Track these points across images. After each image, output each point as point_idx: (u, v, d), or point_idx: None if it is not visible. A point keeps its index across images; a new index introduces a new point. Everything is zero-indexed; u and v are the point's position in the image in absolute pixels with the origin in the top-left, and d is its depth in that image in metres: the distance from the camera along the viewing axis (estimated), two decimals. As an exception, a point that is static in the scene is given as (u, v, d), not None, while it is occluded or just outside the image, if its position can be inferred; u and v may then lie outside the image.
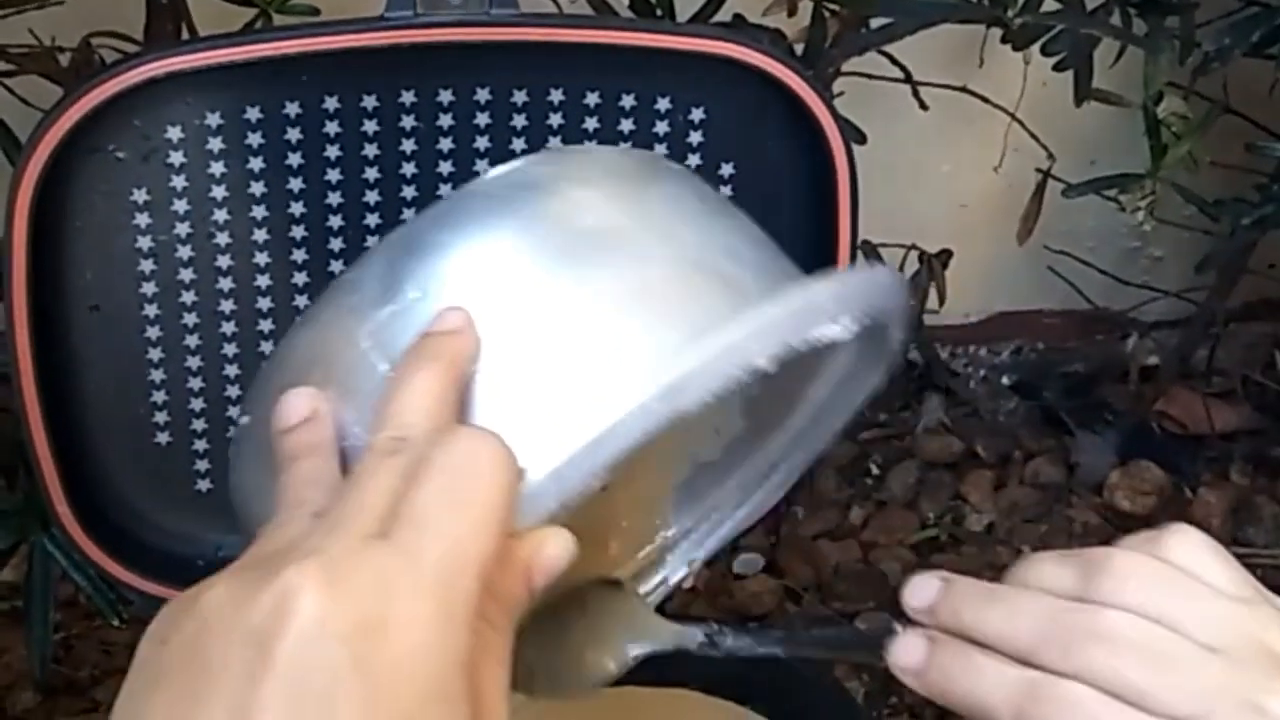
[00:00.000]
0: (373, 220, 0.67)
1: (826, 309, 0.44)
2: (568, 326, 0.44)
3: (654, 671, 0.74)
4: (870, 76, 1.05)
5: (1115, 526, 1.26)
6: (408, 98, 0.64)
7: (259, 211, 0.65)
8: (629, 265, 0.46)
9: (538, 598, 0.42)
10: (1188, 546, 0.46)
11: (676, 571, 0.59)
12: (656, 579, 0.59)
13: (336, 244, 0.67)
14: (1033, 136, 1.15)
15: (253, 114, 0.63)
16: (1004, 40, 0.91)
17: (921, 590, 0.49)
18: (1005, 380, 1.40)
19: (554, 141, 0.66)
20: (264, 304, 0.67)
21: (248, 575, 0.38)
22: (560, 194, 0.47)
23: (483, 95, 0.65)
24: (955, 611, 0.48)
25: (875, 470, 1.32)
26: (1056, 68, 0.96)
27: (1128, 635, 0.44)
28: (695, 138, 0.67)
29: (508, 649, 0.40)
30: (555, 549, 0.42)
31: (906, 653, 0.49)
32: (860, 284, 0.46)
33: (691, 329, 0.44)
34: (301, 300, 0.67)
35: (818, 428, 0.57)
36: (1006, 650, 0.46)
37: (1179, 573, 0.46)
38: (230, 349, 0.68)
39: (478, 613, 0.38)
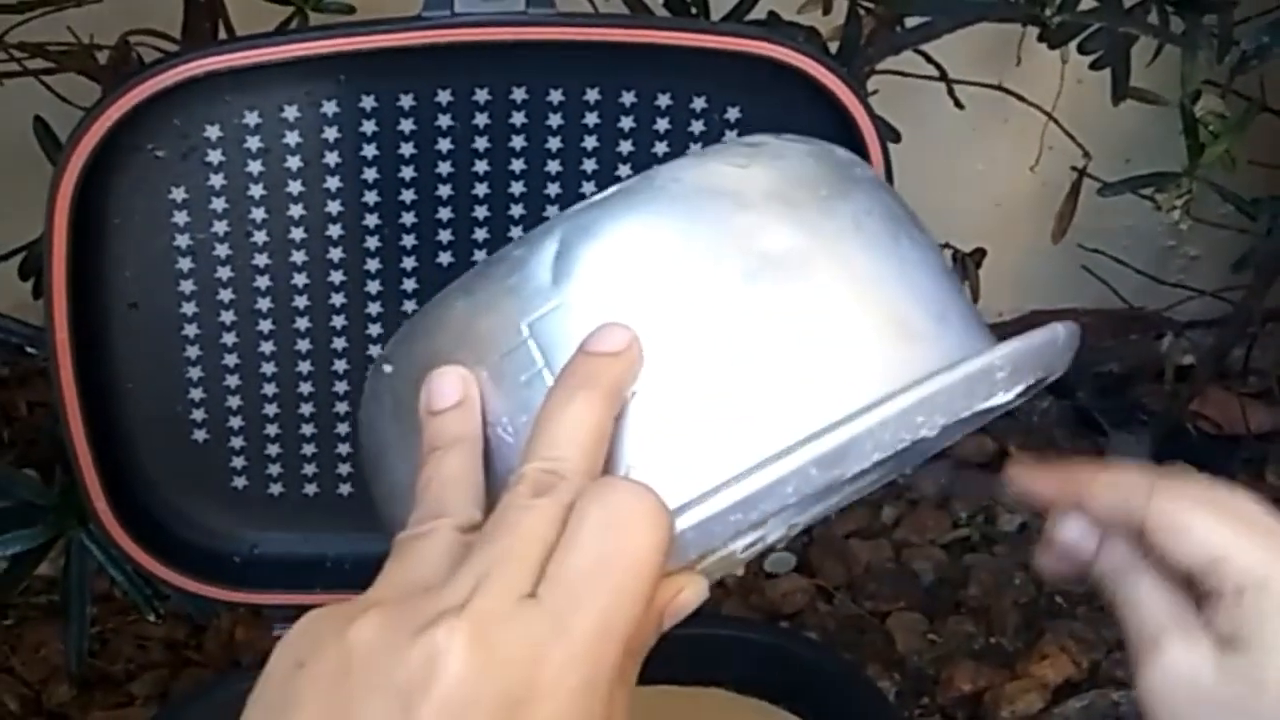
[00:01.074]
0: (408, 219, 0.67)
1: (1001, 378, 0.43)
2: (732, 361, 0.43)
3: (686, 670, 0.75)
4: (904, 74, 1.05)
5: (1149, 527, 1.26)
6: (444, 97, 0.65)
7: (296, 210, 0.66)
8: (806, 302, 0.44)
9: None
10: None
11: (775, 533, 0.56)
12: (753, 537, 0.57)
13: (372, 243, 0.67)
14: (1068, 135, 1.14)
15: (290, 113, 0.64)
16: (1041, 39, 0.90)
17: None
18: (1030, 384, 1.39)
19: (589, 141, 0.66)
20: (300, 303, 0.67)
21: (397, 619, 0.38)
22: (748, 206, 0.44)
23: (519, 94, 0.65)
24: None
25: (907, 470, 1.32)
26: (1093, 66, 0.95)
27: None
28: (730, 137, 0.67)
29: (630, 696, 0.40)
30: (691, 595, 0.41)
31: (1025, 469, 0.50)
32: (1038, 347, 0.45)
33: (864, 381, 0.42)
34: (338, 299, 0.68)
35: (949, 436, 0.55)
36: None
37: None
38: (267, 347, 0.68)
39: (619, 678, 0.38)
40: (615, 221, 0.44)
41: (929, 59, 1.04)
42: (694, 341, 0.43)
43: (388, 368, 0.47)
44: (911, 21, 0.95)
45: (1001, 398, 0.43)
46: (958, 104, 1.08)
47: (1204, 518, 0.46)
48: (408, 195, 0.66)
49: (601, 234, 0.44)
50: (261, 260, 0.66)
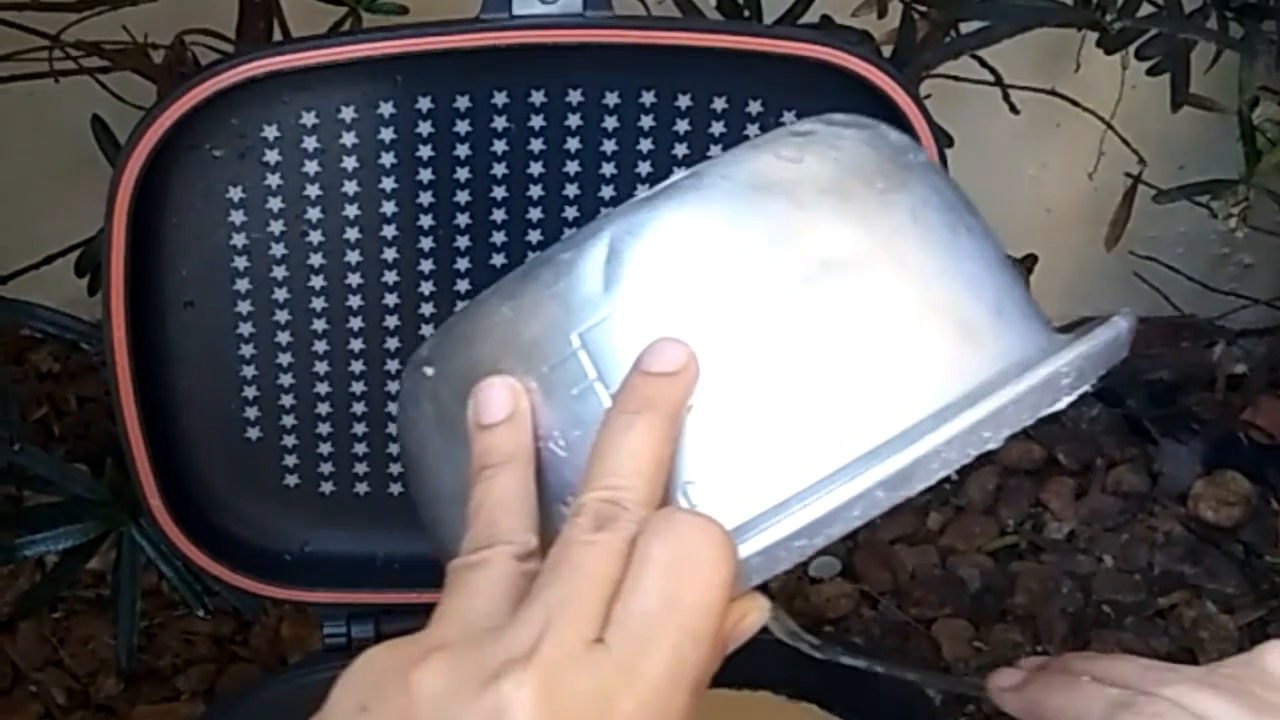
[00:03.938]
0: (463, 220, 0.67)
1: (1066, 384, 0.42)
2: (792, 370, 0.41)
3: (733, 673, 0.75)
4: (958, 79, 1.04)
5: (1199, 537, 1.25)
6: (500, 98, 0.65)
7: (352, 210, 0.66)
8: (867, 306, 0.42)
9: None
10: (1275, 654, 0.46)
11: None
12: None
13: (427, 243, 0.67)
14: (1124, 141, 1.13)
15: (347, 114, 0.64)
16: (1099, 44, 0.90)
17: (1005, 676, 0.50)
18: (1088, 387, 1.38)
19: (644, 144, 0.66)
20: (354, 302, 0.68)
21: (463, 667, 0.37)
22: (803, 205, 0.43)
23: (574, 97, 0.65)
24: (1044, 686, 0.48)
25: (954, 476, 1.30)
26: (1151, 71, 0.95)
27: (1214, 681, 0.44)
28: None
29: None
30: (754, 619, 0.41)
31: (1006, 677, 0.49)
32: (1103, 347, 0.43)
33: (927, 389, 0.41)
34: (392, 299, 0.68)
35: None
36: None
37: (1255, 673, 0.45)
38: (321, 346, 0.68)
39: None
40: (665, 223, 0.43)
41: (984, 63, 1.04)
42: (752, 351, 0.41)
43: (429, 370, 0.46)
44: (967, 26, 0.95)
45: (1065, 402, 0.42)
46: (1013, 109, 1.07)
47: None
48: (462, 196, 0.66)
49: (651, 237, 0.42)
50: (316, 260, 0.67)
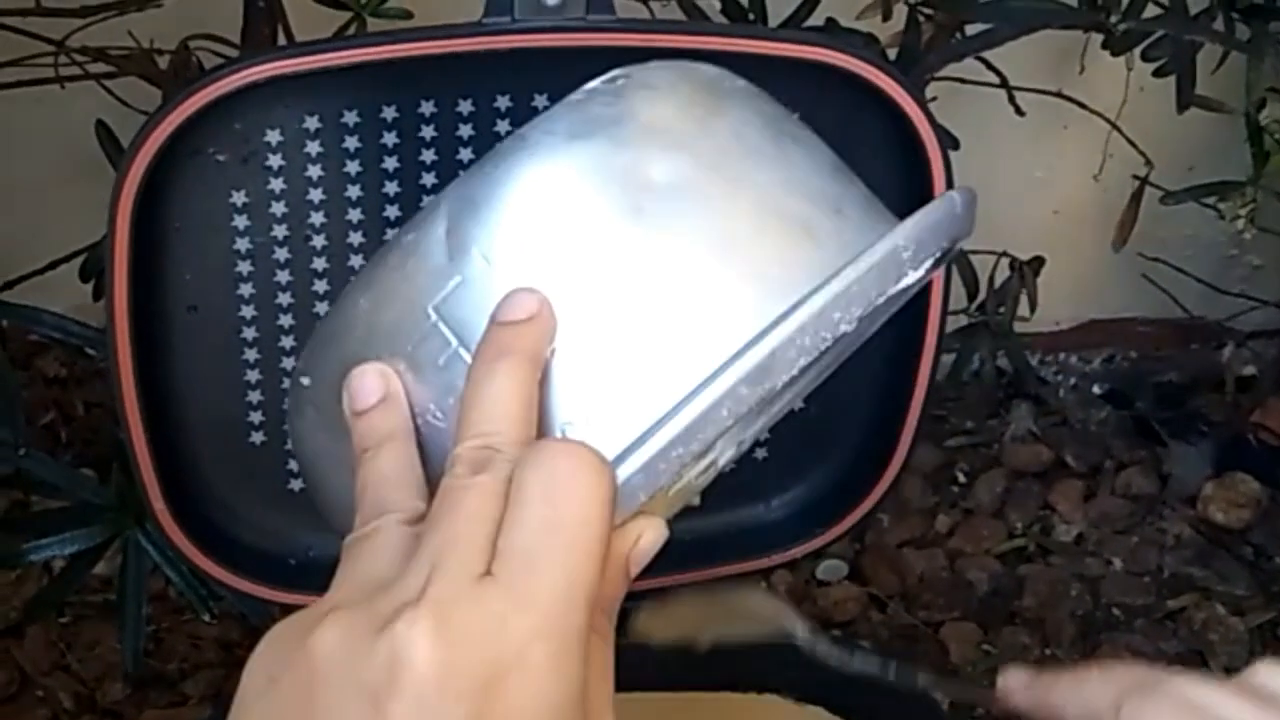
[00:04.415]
0: (466, 224, 0.67)
1: (907, 257, 0.42)
2: (645, 298, 0.42)
3: (742, 677, 0.74)
4: (963, 81, 1.04)
5: (1208, 539, 1.24)
6: (503, 103, 0.64)
7: (355, 215, 0.66)
8: (703, 221, 0.43)
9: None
10: (1273, 673, 0.46)
11: (725, 454, 0.55)
12: (703, 464, 0.54)
13: (430, 247, 0.67)
14: (1130, 143, 1.13)
15: (350, 118, 0.64)
16: (1105, 46, 0.89)
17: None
18: (1096, 389, 1.38)
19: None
20: (358, 306, 0.68)
21: (357, 620, 0.37)
22: (625, 144, 0.44)
23: (577, 100, 0.65)
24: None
25: (962, 478, 1.31)
26: (1157, 73, 0.94)
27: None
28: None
29: (610, 651, 0.40)
30: (650, 538, 0.41)
31: (1015, 677, 0.49)
32: (938, 219, 0.44)
33: (772, 290, 0.42)
34: (395, 303, 0.68)
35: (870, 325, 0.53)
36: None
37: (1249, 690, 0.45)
38: (324, 351, 0.68)
39: (592, 637, 0.38)
40: (498, 187, 0.44)
41: (989, 65, 1.03)
42: (599, 289, 0.43)
43: (305, 380, 0.47)
44: (972, 28, 0.94)
45: (912, 276, 0.43)
46: (1019, 111, 1.07)
47: None
48: (466, 200, 0.66)
49: (486, 202, 0.43)
50: (319, 264, 0.67)
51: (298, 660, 0.37)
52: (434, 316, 0.43)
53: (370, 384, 0.44)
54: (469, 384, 0.42)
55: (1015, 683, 0.50)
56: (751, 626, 0.54)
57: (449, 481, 0.40)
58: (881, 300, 0.42)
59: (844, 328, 0.41)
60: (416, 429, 0.44)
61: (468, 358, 0.43)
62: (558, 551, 0.38)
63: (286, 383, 0.69)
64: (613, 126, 0.44)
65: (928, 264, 0.43)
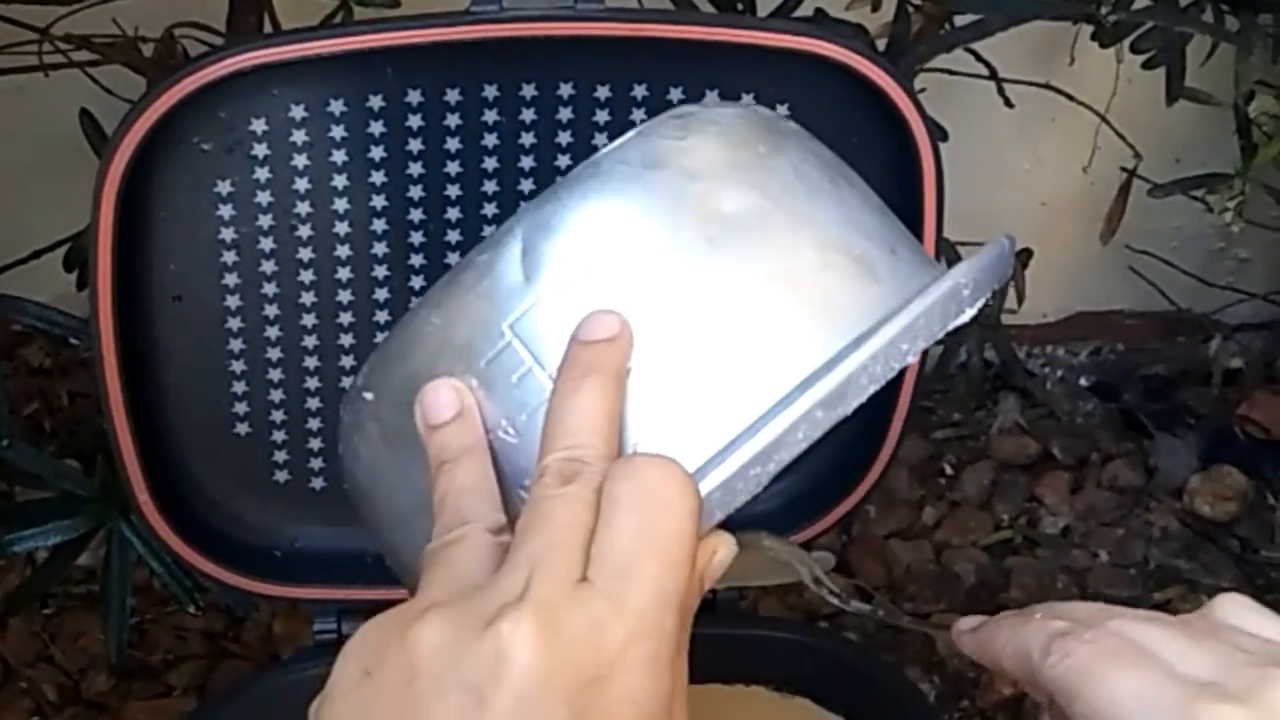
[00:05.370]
0: (453, 214, 0.66)
1: (966, 295, 0.45)
2: (715, 324, 0.44)
3: (727, 669, 0.74)
4: (952, 73, 1.04)
5: (1195, 532, 1.24)
6: (491, 92, 0.64)
7: (341, 204, 0.65)
8: (772, 252, 0.45)
9: None
10: (1229, 605, 0.46)
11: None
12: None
13: (417, 238, 0.67)
14: (1119, 135, 1.13)
15: (336, 107, 0.63)
16: (1094, 37, 0.89)
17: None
18: (1083, 381, 1.38)
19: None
20: (344, 297, 0.67)
21: (459, 618, 0.38)
22: (697, 176, 0.46)
23: (566, 90, 0.65)
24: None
25: (949, 470, 1.31)
26: (1146, 65, 0.94)
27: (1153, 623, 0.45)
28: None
29: (686, 657, 0.41)
30: (724, 554, 0.42)
31: (967, 621, 0.51)
32: (990, 261, 0.46)
33: (840, 321, 0.44)
34: (382, 294, 0.67)
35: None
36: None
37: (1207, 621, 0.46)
38: (310, 341, 0.68)
39: (678, 646, 0.39)
40: (572, 211, 0.45)
41: (978, 57, 1.03)
42: (672, 314, 0.44)
43: (368, 395, 0.48)
44: (962, 19, 0.94)
45: (967, 314, 0.45)
46: (1008, 103, 1.07)
47: (1095, 684, 0.44)
48: (453, 190, 0.66)
49: (562, 226, 0.45)
50: (306, 254, 0.66)
51: (396, 654, 0.38)
52: (509, 334, 0.44)
53: (445, 398, 0.45)
54: (555, 398, 0.43)
55: (965, 625, 0.50)
56: (765, 567, 0.55)
57: (539, 491, 0.41)
58: (941, 334, 0.44)
59: (910, 358, 0.44)
60: (490, 445, 0.45)
61: (540, 375, 0.44)
62: (650, 560, 0.39)
63: (272, 374, 0.68)
64: (682, 159, 0.46)
65: (979, 303, 0.45)
